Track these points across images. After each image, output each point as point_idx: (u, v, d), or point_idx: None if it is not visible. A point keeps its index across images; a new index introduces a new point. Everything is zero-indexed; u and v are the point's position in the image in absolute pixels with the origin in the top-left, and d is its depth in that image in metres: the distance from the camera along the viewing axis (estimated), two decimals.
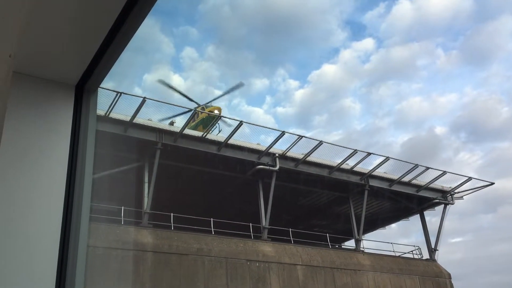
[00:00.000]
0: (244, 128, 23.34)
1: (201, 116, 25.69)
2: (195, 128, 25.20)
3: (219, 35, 70.06)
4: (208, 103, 26.36)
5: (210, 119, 25.16)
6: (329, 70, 76.99)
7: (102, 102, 19.61)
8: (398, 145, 62.79)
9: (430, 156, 60.00)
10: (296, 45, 76.98)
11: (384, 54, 75.78)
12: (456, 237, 62.92)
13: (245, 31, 73.73)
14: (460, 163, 60.74)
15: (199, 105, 26.39)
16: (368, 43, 78.85)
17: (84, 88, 2.00)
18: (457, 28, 75.50)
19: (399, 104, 76.00)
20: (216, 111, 25.50)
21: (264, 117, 70.27)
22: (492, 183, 28.64)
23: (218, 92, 25.84)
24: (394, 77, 78.21)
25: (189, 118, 22.66)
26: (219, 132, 24.42)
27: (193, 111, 23.87)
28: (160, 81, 26.58)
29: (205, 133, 23.02)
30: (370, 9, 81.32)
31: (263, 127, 25.25)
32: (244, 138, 24.17)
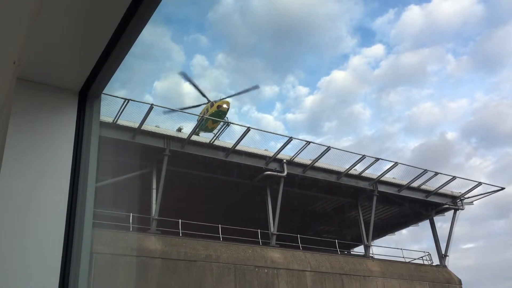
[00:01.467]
0: (254, 135, 23.60)
1: (211, 111, 25.94)
2: (205, 123, 25.58)
3: (229, 43, 70.46)
4: (219, 100, 26.85)
5: (219, 114, 25.52)
6: (339, 76, 76.98)
7: (114, 110, 19.87)
8: (410, 151, 62.47)
9: (442, 162, 59.61)
10: (306, 52, 77.18)
11: (394, 60, 75.61)
12: (468, 243, 62.25)
13: (255, 38, 74.04)
14: (471, 169, 60.22)
15: (208, 101, 26.83)
16: (378, 49, 78.75)
17: (88, 94, 2.00)
18: (467, 33, 75.16)
19: (409, 110, 75.67)
20: (225, 105, 25.83)
21: (274, 123, 70.40)
22: (502, 188, 28.36)
23: (228, 100, 26.43)
24: (404, 83, 78.00)
25: (196, 125, 22.81)
26: (228, 126, 24.81)
27: (199, 121, 24.32)
28: (181, 73, 27.93)
29: (213, 139, 23.06)
30: (380, 15, 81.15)
31: (270, 132, 25.26)
32: (254, 145, 24.34)
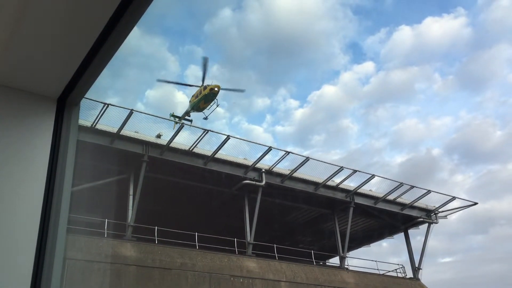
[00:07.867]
0: (243, 146, 24.46)
1: (204, 93, 28.73)
2: (198, 103, 29.11)
3: (224, 54, 70.90)
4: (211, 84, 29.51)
5: (211, 96, 28.69)
6: (329, 90, 78.13)
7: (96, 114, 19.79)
8: (397, 165, 63.60)
9: (427, 177, 60.94)
10: (299, 66, 78.22)
11: (384, 76, 77.14)
12: (446, 257, 63.26)
13: (250, 51, 74.83)
14: (454, 184, 61.62)
15: (199, 86, 29.52)
16: (368, 66, 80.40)
17: (66, 101, 1.99)
18: (454, 54, 77.75)
19: (396, 125, 77.13)
20: (216, 88, 28.68)
21: (263, 135, 70.90)
22: (475, 203, 28.91)
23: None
24: (392, 99, 79.70)
25: (174, 135, 22.77)
26: (217, 106, 29.44)
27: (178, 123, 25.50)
28: (158, 80, 32.13)
29: (193, 146, 22.97)
30: (372, 34, 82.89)
31: (249, 141, 25.22)
32: (243, 155, 24.74)
